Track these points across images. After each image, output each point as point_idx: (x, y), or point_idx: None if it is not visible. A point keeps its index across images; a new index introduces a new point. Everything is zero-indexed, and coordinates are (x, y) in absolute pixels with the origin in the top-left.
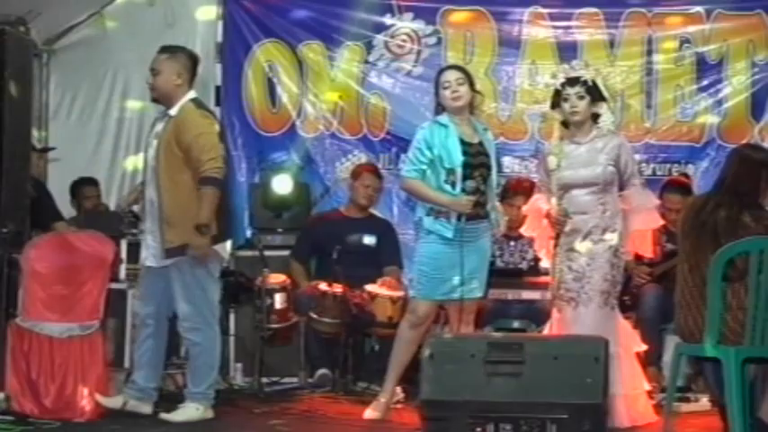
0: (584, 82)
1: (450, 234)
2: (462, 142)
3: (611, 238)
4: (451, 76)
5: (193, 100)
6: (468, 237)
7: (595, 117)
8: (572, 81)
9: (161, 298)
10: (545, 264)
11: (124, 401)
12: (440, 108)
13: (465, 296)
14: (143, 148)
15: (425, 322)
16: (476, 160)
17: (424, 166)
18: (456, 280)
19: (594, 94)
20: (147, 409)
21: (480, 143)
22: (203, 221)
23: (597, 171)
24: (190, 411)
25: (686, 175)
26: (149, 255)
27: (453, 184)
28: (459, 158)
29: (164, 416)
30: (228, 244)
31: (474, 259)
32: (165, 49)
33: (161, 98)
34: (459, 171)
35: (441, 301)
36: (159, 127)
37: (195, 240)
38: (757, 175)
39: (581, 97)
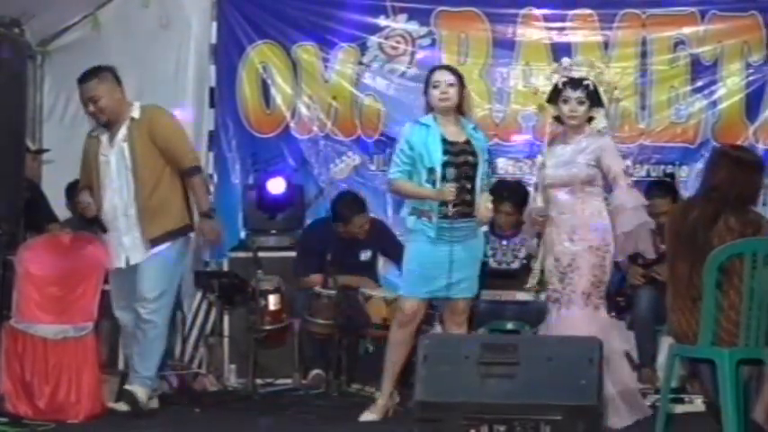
0: (587, 86)
1: (432, 233)
2: (444, 141)
3: (593, 238)
4: (442, 76)
5: (149, 105)
6: (455, 235)
7: (589, 120)
8: (575, 83)
9: (132, 296)
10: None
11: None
12: (429, 106)
13: (453, 295)
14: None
15: (413, 321)
16: (458, 159)
17: (408, 167)
18: (443, 279)
19: (594, 99)
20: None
21: (467, 142)
22: (208, 206)
23: (573, 171)
24: (141, 392)
25: (672, 176)
26: (127, 254)
27: (434, 183)
28: (438, 157)
29: (115, 405)
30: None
31: (463, 258)
32: (88, 76)
33: (111, 118)
34: (438, 170)
35: (428, 299)
36: (122, 133)
37: (207, 225)
38: (756, 178)
39: (581, 102)
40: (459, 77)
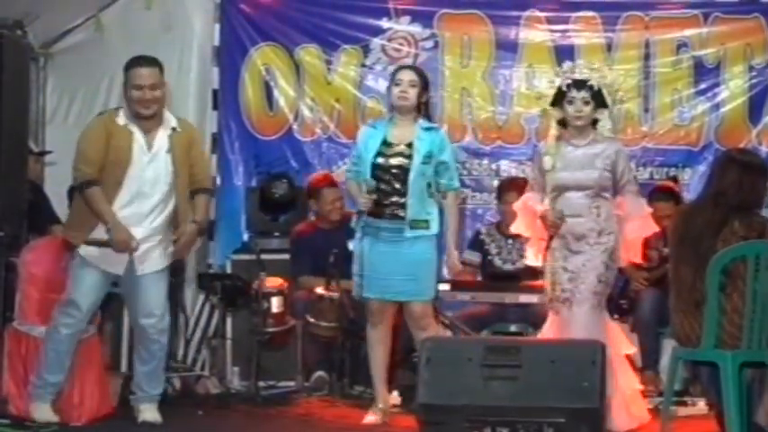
0: (591, 87)
1: (360, 233)
2: (385, 143)
3: (607, 240)
4: (405, 76)
5: (182, 118)
6: (383, 236)
7: (594, 122)
8: (579, 84)
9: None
10: (531, 261)
11: None
12: (392, 105)
13: (400, 298)
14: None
15: (382, 321)
16: (389, 161)
17: (357, 167)
18: (380, 279)
19: (599, 100)
20: None
21: (409, 144)
22: (205, 222)
23: (593, 175)
24: (156, 414)
25: (675, 180)
26: (152, 262)
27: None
28: (369, 159)
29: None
30: None
31: (396, 260)
32: (152, 62)
33: (157, 113)
34: (368, 171)
35: (378, 299)
36: (163, 141)
37: (192, 230)
38: (763, 183)
39: (586, 102)
40: (424, 80)
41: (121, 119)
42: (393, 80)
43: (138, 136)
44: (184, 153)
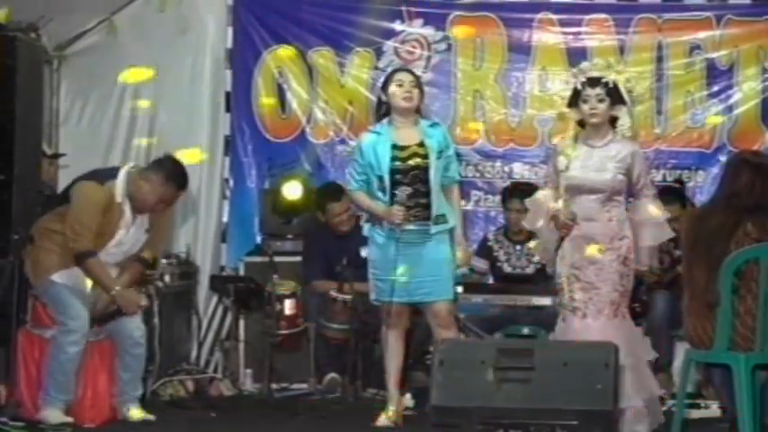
0: (606, 83)
1: (381, 240)
2: (394, 147)
3: (620, 246)
4: (406, 77)
5: None
6: (410, 240)
7: (613, 120)
8: (593, 82)
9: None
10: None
11: None
12: (380, 111)
13: (425, 299)
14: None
15: (399, 324)
16: (406, 164)
17: (363, 176)
18: (403, 282)
19: (615, 96)
20: None
21: (421, 143)
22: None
23: (606, 177)
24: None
25: (681, 182)
26: None
27: (384, 191)
28: (386, 165)
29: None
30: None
31: (422, 262)
32: None
33: None
34: (387, 178)
35: (405, 303)
36: (143, 220)
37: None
38: None
39: (601, 100)
40: (419, 81)
41: (119, 195)
42: (392, 81)
43: (128, 216)
44: (160, 223)
